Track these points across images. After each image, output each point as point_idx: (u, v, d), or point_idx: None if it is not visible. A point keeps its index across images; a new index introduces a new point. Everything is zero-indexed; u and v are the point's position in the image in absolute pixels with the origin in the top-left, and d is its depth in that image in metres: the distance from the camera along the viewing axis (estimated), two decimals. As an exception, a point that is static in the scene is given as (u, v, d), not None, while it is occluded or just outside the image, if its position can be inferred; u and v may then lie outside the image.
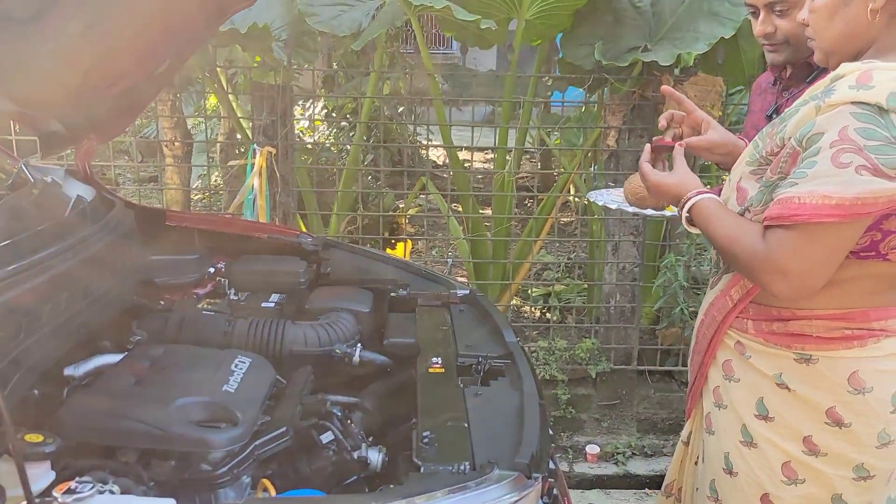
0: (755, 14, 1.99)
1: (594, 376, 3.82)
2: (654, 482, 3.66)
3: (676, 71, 3.75)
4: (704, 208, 1.58)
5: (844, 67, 1.40)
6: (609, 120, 3.60)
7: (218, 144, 4.95)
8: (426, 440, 1.30)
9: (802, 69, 2.01)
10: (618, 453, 3.78)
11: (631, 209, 2.00)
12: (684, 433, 1.93)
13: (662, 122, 1.96)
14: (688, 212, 1.62)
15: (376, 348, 1.89)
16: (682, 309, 3.70)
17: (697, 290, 3.84)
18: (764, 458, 1.57)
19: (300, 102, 6.22)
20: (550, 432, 1.50)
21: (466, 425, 1.38)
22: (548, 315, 4.51)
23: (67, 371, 1.57)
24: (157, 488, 1.24)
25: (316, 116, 6.10)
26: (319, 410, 1.51)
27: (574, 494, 3.58)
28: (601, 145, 3.73)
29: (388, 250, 4.77)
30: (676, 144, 1.81)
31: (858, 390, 1.46)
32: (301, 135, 6.05)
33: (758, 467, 1.58)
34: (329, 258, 2.35)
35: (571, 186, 4.56)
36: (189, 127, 4.75)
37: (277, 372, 1.68)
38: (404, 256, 5.07)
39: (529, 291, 4.79)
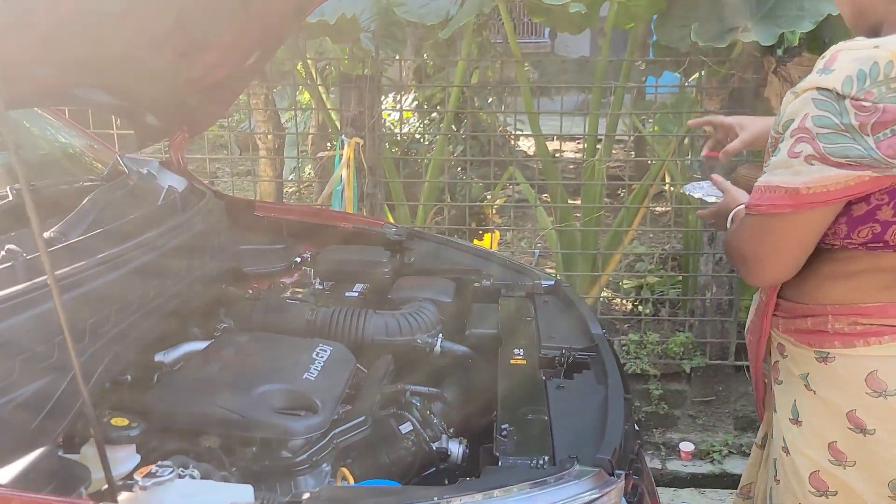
0: None
1: (688, 371, 3.70)
2: (752, 482, 3.52)
3: (779, 51, 3.58)
4: (737, 212, 1.57)
5: (832, 48, 1.31)
6: (706, 104, 3.46)
7: (310, 137, 5.03)
8: (505, 433, 1.27)
9: None
10: (713, 451, 3.65)
11: (697, 194, 1.88)
12: (759, 435, 1.85)
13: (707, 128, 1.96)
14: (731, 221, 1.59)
15: (458, 339, 1.87)
16: (782, 302, 3.53)
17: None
18: (794, 467, 1.49)
19: (391, 94, 6.27)
20: (637, 428, 1.45)
21: (547, 418, 1.34)
22: (640, 308, 4.40)
23: (158, 357, 1.61)
24: (238, 474, 1.25)
25: (406, 108, 6.12)
26: (399, 400, 1.49)
27: (666, 493, 3.47)
28: (698, 132, 3.60)
29: (476, 241, 4.75)
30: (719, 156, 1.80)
31: (878, 392, 1.36)
32: (391, 126, 6.09)
33: (791, 476, 1.50)
34: (413, 248, 2.35)
35: (666, 175, 4.42)
36: (283, 120, 4.84)
37: (359, 361, 1.68)
38: (492, 247, 5.03)
39: (620, 283, 4.68)
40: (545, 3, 3.05)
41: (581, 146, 3.99)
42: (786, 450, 1.52)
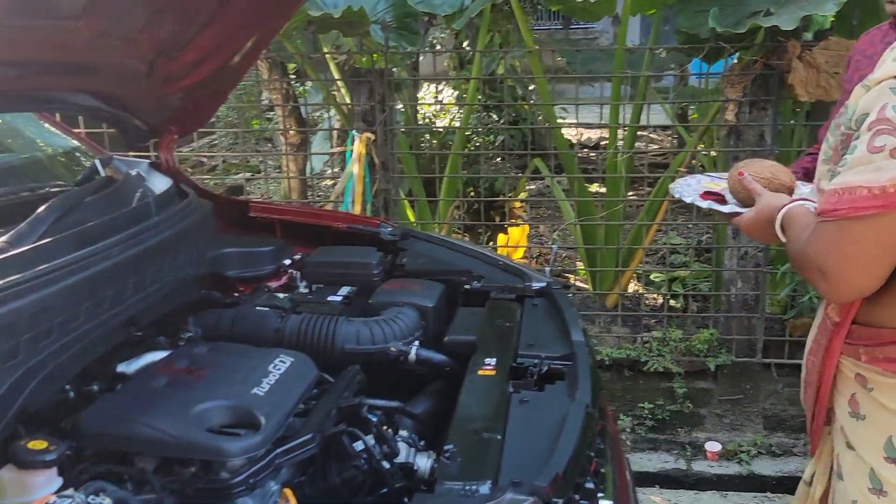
0: None
1: (713, 369, 3.56)
2: (782, 485, 3.38)
3: (808, 35, 3.41)
4: (788, 216, 1.44)
5: None
6: (728, 93, 3.31)
7: (334, 133, 5.00)
8: (448, 455, 1.19)
9: None
10: (741, 451, 3.52)
11: (704, 204, 1.73)
12: (807, 473, 1.70)
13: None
14: (781, 228, 1.45)
15: (439, 345, 1.79)
16: (811, 297, 3.37)
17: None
18: None
19: (428, 86, 6.20)
20: (602, 446, 1.36)
21: (501, 437, 1.26)
22: (671, 302, 4.26)
23: (120, 367, 1.57)
24: (172, 496, 1.20)
25: (444, 100, 6.03)
26: (355, 415, 1.43)
27: (687, 496, 3.36)
28: (719, 120, 3.45)
29: (501, 236, 4.66)
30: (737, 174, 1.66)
31: None
32: (431, 118, 5.99)
33: None
34: (407, 248, 2.28)
35: (697, 165, 4.27)
36: (305, 115, 4.82)
37: (329, 372, 1.61)
38: (521, 242, 4.93)
39: (652, 277, 4.54)
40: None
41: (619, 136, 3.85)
42: (879, 492, 1.38)
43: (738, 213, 1.63)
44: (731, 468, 3.50)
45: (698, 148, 3.93)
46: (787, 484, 3.36)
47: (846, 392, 1.45)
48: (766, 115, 3.30)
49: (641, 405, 3.63)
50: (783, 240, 1.45)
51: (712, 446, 3.53)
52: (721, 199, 1.73)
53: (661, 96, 5.24)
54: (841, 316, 1.41)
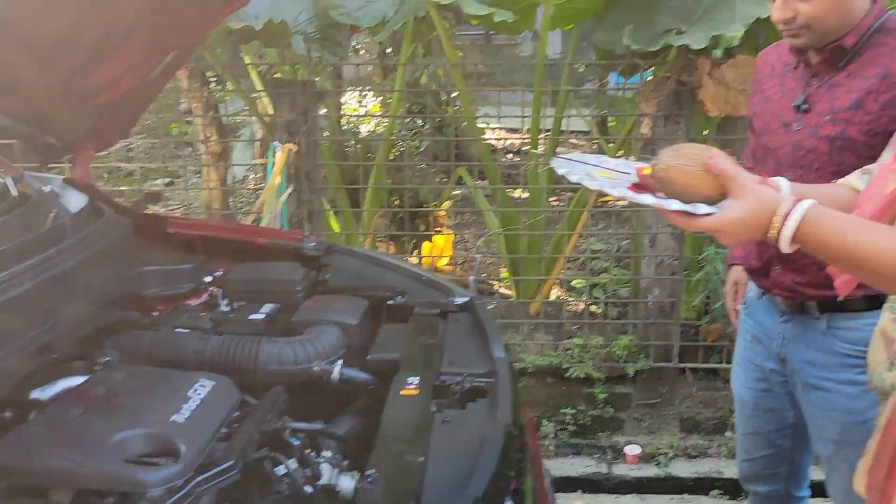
0: None
1: (632, 374, 3.67)
2: (697, 485, 3.51)
3: (718, 52, 3.54)
4: (815, 220, 1.22)
5: None
6: (643, 107, 3.42)
7: (257, 144, 4.95)
8: (371, 479, 1.21)
9: (835, 53, 1.82)
10: (659, 454, 3.63)
11: (593, 184, 1.35)
12: None
13: None
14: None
15: (363, 364, 1.80)
16: (722, 303, 3.51)
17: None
18: None
19: (353, 91, 6.17)
20: (522, 461, 1.39)
21: (422, 460, 1.29)
22: (592, 308, 4.37)
23: (34, 394, 1.53)
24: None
25: (372, 104, 6.01)
26: (278, 439, 1.43)
27: (608, 500, 3.45)
28: (635, 133, 3.56)
29: (426, 244, 4.69)
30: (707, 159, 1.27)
31: None
32: (356, 124, 5.97)
33: None
34: (330, 264, 2.28)
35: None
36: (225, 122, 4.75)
37: (253, 394, 1.61)
38: (446, 251, 4.97)
39: (574, 283, 4.64)
40: (469, 14, 2.99)
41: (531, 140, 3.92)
42: None
43: (710, 214, 1.27)
44: (650, 471, 3.60)
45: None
46: (703, 485, 3.49)
47: None
48: (679, 129, 3.42)
49: (564, 411, 3.70)
50: (781, 244, 1.25)
51: (631, 450, 3.63)
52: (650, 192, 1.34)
53: (581, 102, 5.36)
54: None
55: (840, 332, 1.90)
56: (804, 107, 1.88)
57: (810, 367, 1.97)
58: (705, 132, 4.04)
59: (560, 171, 1.39)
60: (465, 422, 1.45)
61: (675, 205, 1.28)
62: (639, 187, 1.35)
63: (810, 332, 1.96)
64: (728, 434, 3.65)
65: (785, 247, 1.24)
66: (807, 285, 1.91)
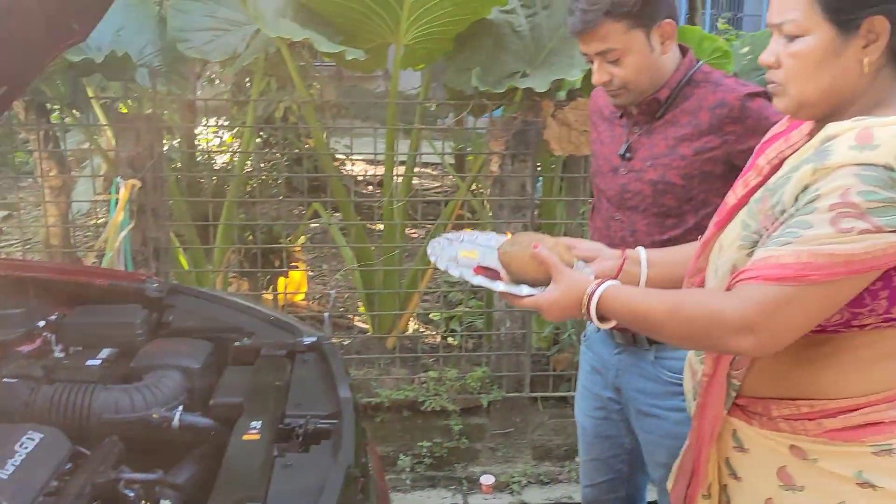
0: (592, 62, 1.95)
1: (486, 405, 3.76)
2: (550, 512, 3.62)
3: (562, 94, 3.74)
4: (612, 295, 1.44)
5: (834, 127, 1.29)
6: (491, 145, 3.55)
7: (99, 179, 4.74)
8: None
9: (651, 105, 1.98)
10: (513, 482, 3.72)
11: (476, 280, 1.57)
12: None
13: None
14: (597, 309, 1.45)
15: (205, 409, 1.77)
16: (570, 334, 3.68)
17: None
18: None
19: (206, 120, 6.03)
20: (363, 501, 1.41)
21: (262, 506, 1.28)
22: (449, 340, 4.44)
23: None
24: None
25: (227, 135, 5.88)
26: (112, 490, 1.38)
27: (465, 531, 3.50)
28: (485, 171, 3.69)
29: (281, 280, 4.63)
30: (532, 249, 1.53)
31: None
32: (210, 154, 5.84)
33: None
34: (174, 305, 2.23)
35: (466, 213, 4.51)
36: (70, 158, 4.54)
37: (86, 444, 1.54)
38: (301, 287, 4.93)
39: (431, 316, 4.71)
40: (320, 51, 3.03)
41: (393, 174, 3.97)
42: None
43: (531, 295, 1.51)
44: (504, 499, 3.68)
45: (470, 193, 4.16)
46: (556, 511, 3.61)
47: (770, 465, 1.43)
48: (526, 167, 3.57)
49: (420, 444, 3.74)
50: (592, 319, 1.45)
51: (486, 479, 3.70)
52: (495, 275, 1.60)
53: (441, 136, 5.46)
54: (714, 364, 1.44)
55: (666, 361, 2.04)
56: (627, 155, 2.03)
57: (642, 395, 2.10)
58: (553, 166, 4.24)
59: (431, 259, 1.64)
60: (306, 465, 1.45)
61: (501, 286, 1.55)
62: (482, 269, 1.62)
63: (641, 363, 2.09)
64: (577, 460, 3.79)
65: (597, 322, 1.46)
66: None
